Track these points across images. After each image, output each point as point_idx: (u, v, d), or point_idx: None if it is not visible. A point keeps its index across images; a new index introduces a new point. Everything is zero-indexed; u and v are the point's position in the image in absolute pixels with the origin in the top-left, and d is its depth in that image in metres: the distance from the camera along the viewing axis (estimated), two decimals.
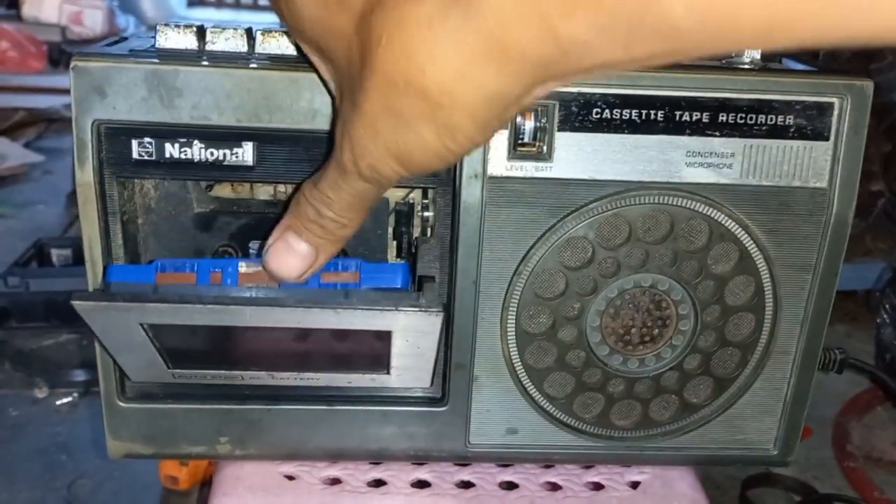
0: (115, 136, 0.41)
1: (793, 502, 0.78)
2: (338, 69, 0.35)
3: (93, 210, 0.42)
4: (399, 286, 0.42)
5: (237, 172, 0.42)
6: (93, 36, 2.83)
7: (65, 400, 0.89)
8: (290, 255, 0.39)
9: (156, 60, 0.40)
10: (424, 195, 0.46)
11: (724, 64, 0.44)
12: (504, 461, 0.51)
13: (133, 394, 0.47)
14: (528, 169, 0.43)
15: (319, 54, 0.36)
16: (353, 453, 0.49)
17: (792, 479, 0.80)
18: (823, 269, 0.46)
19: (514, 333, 0.46)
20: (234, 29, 0.42)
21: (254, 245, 0.46)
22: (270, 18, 0.41)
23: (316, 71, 0.38)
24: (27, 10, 2.86)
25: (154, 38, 0.42)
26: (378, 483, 0.50)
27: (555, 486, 0.51)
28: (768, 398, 0.49)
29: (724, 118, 0.43)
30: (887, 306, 1.00)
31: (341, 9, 0.32)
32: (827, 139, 0.44)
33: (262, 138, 0.41)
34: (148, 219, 0.46)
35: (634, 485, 0.51)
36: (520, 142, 0.42)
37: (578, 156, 0.43)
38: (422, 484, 0.51)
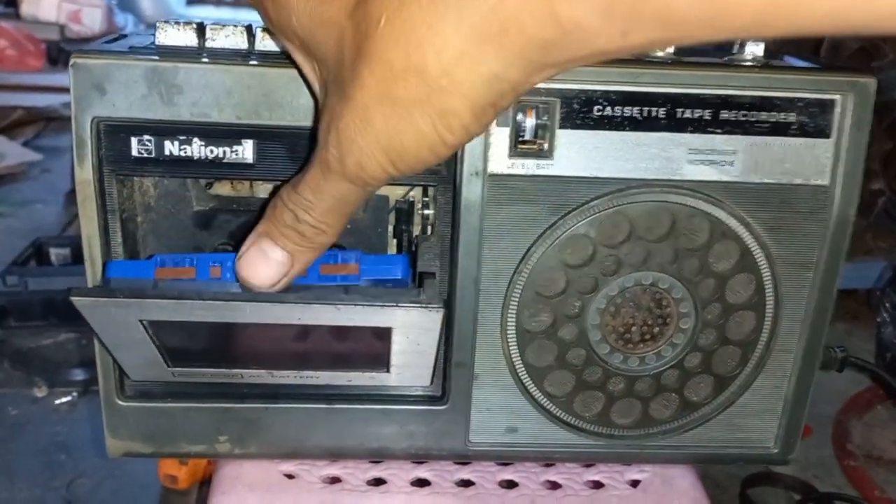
0: (114, 134, 0.41)
1: (793, 501, 0.78)
2: (324, 64, 0.34)
3: (92, 208, 0.42)
4: (399, 277, 0.42)
5: (237, 170, 0.42)
6: (91, 34, 2.83)
7: (64, 399, 0.89)
8: (265, 262, 0.37)
9: (155, 57, 0.40)
10: (425, 193, 0.46)
11: (726, 61, 0.44)
12: (504, 460, 0.51)
13: (132, 392, 0.46)
14: (529, 166, 0.43)
15: (304, 51, 0.35)
16: (353, 452, 0.49)
17: (792, 477, 0.79)
18: (825, 267, 0.46)
19: (514, 332, 0.46)
20: (234, 26, 0.42)
21: None
22: None
23: (299, 70, 0.37)
24: (25, 8, 2.86)
25: (154, 35, 0.42)
26: (378, 482, 0.50)
27: (555, 485, 0.51)
28: (769, 396, 0.49)
29: (726, 115, 0.43)
30: (888, 305, 1.00)
31: None
32: (829, 136, 0.43)
33: (262, 136, 0.41)
34: (147, 217, 0.45)
35: (635, 483, 0.51)
36: (521, 139, 0.42)
37: (580, 153, 0.43)
38: (422, 482, 0.50)
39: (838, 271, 0.46)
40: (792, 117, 0.43)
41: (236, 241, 0.47)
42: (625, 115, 0.42)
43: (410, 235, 0.47)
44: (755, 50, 0.44)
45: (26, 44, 2.52)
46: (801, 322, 0.47)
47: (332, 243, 0.38)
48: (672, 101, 0.42)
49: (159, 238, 0.46)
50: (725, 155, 0.43)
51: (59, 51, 2.60)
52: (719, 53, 0.45)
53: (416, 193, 0.46)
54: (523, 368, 0.46)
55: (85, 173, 0.41)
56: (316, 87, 0.36)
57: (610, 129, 0.42)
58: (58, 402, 0.88)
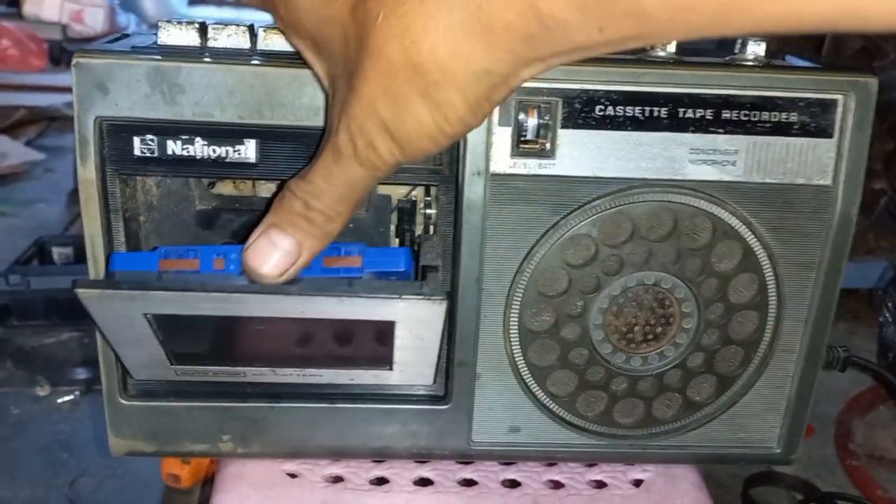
0: (117, 133, 0.41)
1: (795, 501, 0.78)
2: (333, 61, 0.36)
3: (95, 207, 0.42)
4: (402, 269, 0.42)
5: (239, 169, 0.42)
6: (94, 34, 2.83)
7: (66, 398, 0.89)
8: (273, 251, 0.37)
9: (158, 57, 0.40)
10: (427, 192, 0.46)
11: (728, 61, 0.44)
12: (507, 459, 0.51)
13: (135, 391, 0.47)
14: (531, 166, 0.43)
15: (314, 49, 0.37)
16: (356, 451, 0.49)
17: (794, 477, 0.80)
18: (827, 266, 0.46)
19: (516, 331, 0.46)
20: (237, 26, 0.42)
21: None
22: (269, 16, 0.41)
23: (310, 68, 0.38)
24: (28, 8, 2.86)
25: (156, 35, 0.42)
26: (380, 481, 0.50)
27: (557, 485, 0.51)
28: (772, 396, 0.49)
29: (728, 115, 0.43)
30: (890, 304, 1.00)
31: None
32: (831, 136, 0.43)
33: (265, 135, 0.41)
34: (150, 216, 0.45)
35: (637, 483, 0.51)
36: (523, 139, 0.42)
37: (582, 153, 0.43)
38: (424, 482, 0.50)
39: (841, 271, 0.46)
40: (794, 117, 0.43)
41: (239, 241, 0.47)
42: (627, 114, 0.42)
43: (413, 235, 0.47)
44: (757, 50, 0.44)
45: (29, 43, 2.52)
46: (803, 322, 0.47)
47: (339, 233, 0.38)
48: (674, 100, 0.42)
49: (162, 237, 0.46)
50: (727, 155, 0.43)
51: (62, 50, 2.60)
52: (721, 53, 0.45)
53: (418, 193, 0.46)
54: (526, 368, 0.46)
55: (88, 173, 0.41)
56: (325, 83, 0.37)
57: (612, 128, 0.42)
58: (60, 400, 0.89)
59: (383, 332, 0.42)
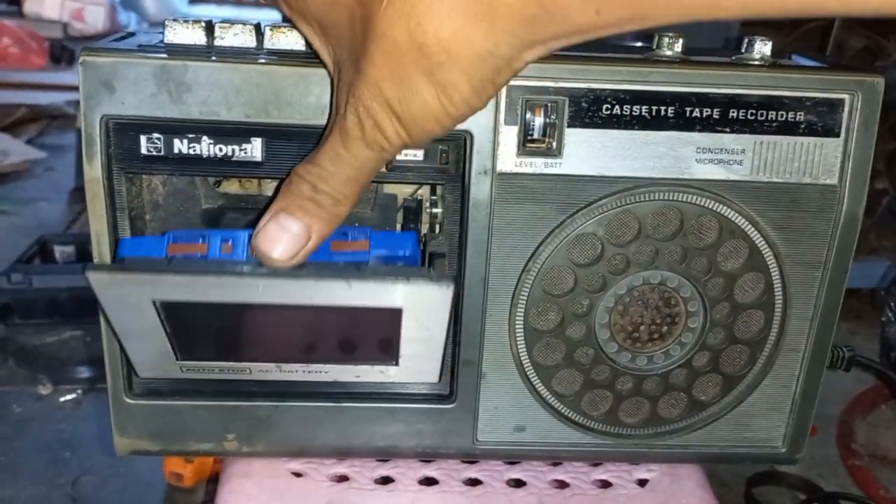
0: (123, 132, 0.41)
1: (798, 500, 0.78)
2: (339, 45, 0.36)
3: (101, 206, 0.42)
4: (408, 254, 0.42)
5: (246, 168, 0.42)
6: (94, 33, 2.83)
7: (69, 397, 0.89)
8: (282, 236, 0.38)
9: (164, 56, 0.40)
10: (433, 191, 0.46)
11: (735, 60, 0.44)
12: (512, 458, 0.51)
13: (140, 390, 0.46)
14: (537, 165, 0.43)
15: (321, 34, 0.37)
16: (361, 450, 0.49)
17: (797, 477, 0.79)
18: (833, 266, 0.46)
19: (522, 330, 0.46)
20: (243, 24, 0.42)
21: None
22: (273, 15, 0.41)
23: (316, 54, 0.39)
24: (29, 6, 2.86)
25: (162, 33, 0.42)
26: (385, 480, 0.50)
27: (562, 484, 0.51)
28: (777, 396, 0.49)
29: (735, 114, 0.43)
30: (892, 304, 1.00)
31: None
32: (837, 136, 0.43)
33: (271, 134, 0.41)
34: (156, 215, 0.45)
35: (642, 482, 0.51)
36: (529, 138, 0.42)
37: (588, 152, 0.43)
38: (429, 481, 0.50)
39: (847, 270, 0.46)
40: (800, 116, 0.43)
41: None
42: (633, 113, 0.42)
43: (419, 234, 0.47)
44: (763, 49, 0.44)
45: (29, 42, 2.51)
46: (809, 321, 0.47)
47: (347, 216, 0.38)
48: (681, 100, 0.42)
49: None
50: (734, 154, 0.43)
51: (63, 49, 2.59)
52: (727, 53, 0.45)
53: (424, 192, 0.46)
54: (531, 367, 0.46)
55: (94, 171, 0.41)
56: (331, 67, 0.38)
57: (618, 127, 0.42)
58: (62, 399, 0.89)
59: (389, 324, 0.42)
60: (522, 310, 0.45)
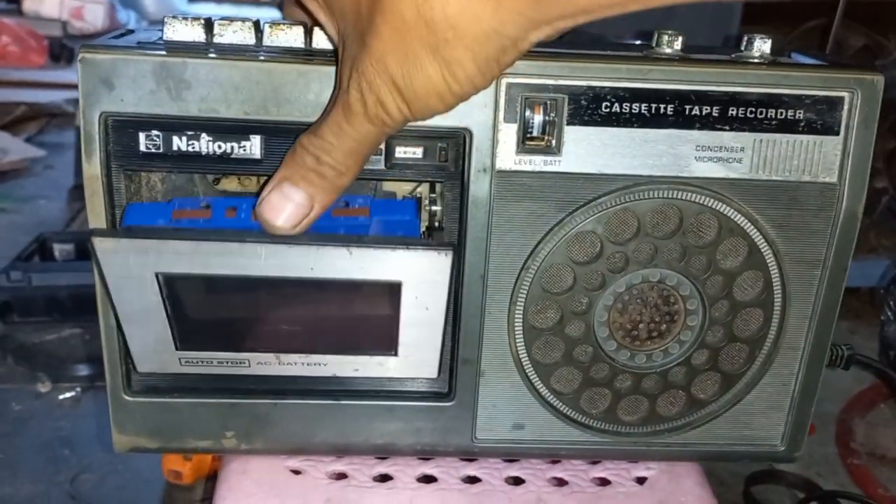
0: (122, 129, 0.41)
1: (796, 499, 0.78)
2: (344, 18, 0.37)
3: (100, 203, 0.42)
4: (408, 219, 0.43)
5: (245, 166, 0.42)
6: (94, 31, 2.83)
7: (68, 394, 0.89)
8: (286, 204, 0.39)
9: (164, 53, 0.40)
10: (432, 189, 0.46)
11: (734, 58, 0.44)
12: (511, 456, 0.51)
13: (139, 388, 0.46)
14: (536, 163, 0.43)
15: (326, 7, 0.38)
16: (359, 448, 0.49)
17: (795, 475, 0.79)
18: (832, 264, 0.46)
19: (521, 328, 0.46)
20: (242, 21, 0.42)
21: None
22: (271, 13, 0.41)
23: (321, 27, 0.39)
24: (28, 4, 2.86)
25: (161, 30, 0.42)
26: (384, 478, 0.50)
27: (561, 482, 0.51)
28: (776, 394, 0.49)
29: (734, 112, 0.43)
30: (891, 303, 1.00)
31: None
32: (837, 133, 0.43)
33: (270, 131, 0.41)
34: None
35: (641, 480, 0.51)
36: (529, 135, 0.42)
37: (587, 150, 0.43)
38: (428, 479, 0.50)
39: (846, 268, 0.46)
40: (800, 114, 0.43)
41: None
42: (633, 111, 0.42)
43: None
44: (763, 47, 0.44)
45: (29, 40, 2.51)
46: (808, 319, 0.47)
47: (348, 186, 0.39)
48: (680, 97, 0.42)
49: None
50: (733, 152, 0.43)
51: (62, 47, 2.59)
52: (727, 50, 0.45)
53: (423, 189, 0.46)
54: (530, 365, 0.46)
55: (93, 168, 0.41)
56: (336, 40, 0.38)
57: (618, 125, 0.42)
58: (61, 397, 0.88)
59: (389, 306, 0.42)
60: (521, 308, 0.45)
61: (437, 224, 0.45)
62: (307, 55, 0.41)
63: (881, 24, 1.18)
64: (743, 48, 0.44)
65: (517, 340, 0.46)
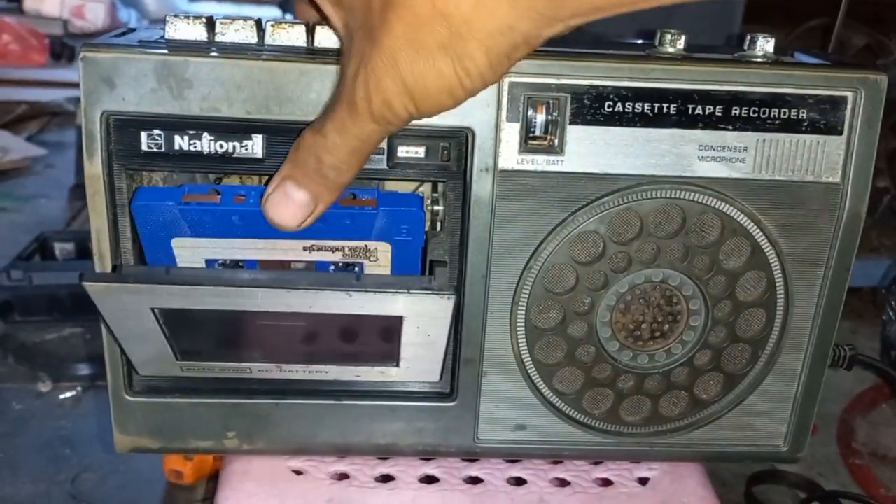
0: (124, 128, 0.41)
1: (798, 499, 0.78)
2: (352, 13, 0.36)
3: (101, 202, 0.42)
4: (415, 210, 0.42)
5: (246, 165, 0.42)
6: (95, 30, 2.82)
7: (68, 394, 0.89)
8: (289, 204, 0.39)
9: (165, 51, 0.40)
10: (434, 189, 0.46)
11: (737, 57, 0.43)
12: (513, 457, 0.51)
13: (140, 388, 0.46)
14: (539, 162, 0.42)
15: (335, 4, 0.38)
16: (361, 448, 0.49)
17: (797, 475, 0.79)
18: (836, 264, 0.45)
19: (523, 328, 0.45)
20: (244, 20, 0.42)
21: None
22: (273, 12, 0.41)
23: (328, 21, 0.39)
24: (29, 3, 2.85)
25: (163, 29, 0.42)
26: (386, 478, 0.50)
27: (563, 482, 0.51)
28: (779, 394, 0.49)
29: (737, 112, 0.42)
30: (893, 303, 1.00)
31: None
32: (840, 133, 0.43)
33: (272, 130, 0.41)
34: None
35: (643, 481, 0.51)
36: (531, 135, 0.42)
37: (590, 149, 0.42)
38: (430, 479, 0.50)
39: (849, 268, 0.46)
40: (803, 114, 0.43)
41: None
42: (636, 111, 0.42)
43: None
44: (766, 46, 0.44)
45: (30, 39, 2.51)
46: (811, 319, 0.47)
47: (351, 181, 0.39)
48: (683, 97, 0.42)
49: None
50: (737, 151, 0.43)
51: (63, 46, 2.59)
52: (730, 50, 0.45)
53: (425, 189, 0.46)
54: (532, 365, 0.46)
55: (94, 168, 0.41)
56: (342, 33, 0.38)
57: (621, 125, 0.42)
58: (62, 396, 0.88)
59: (390, 329, 0.42)
60: (524, 308, 0.45)
61: (439, 224, 0.45)
62: (309, 54, 0.41)
63: (883, 23, 1.18)
64: (746, 47, 0.44)
65: (519, 340, 0.46)
